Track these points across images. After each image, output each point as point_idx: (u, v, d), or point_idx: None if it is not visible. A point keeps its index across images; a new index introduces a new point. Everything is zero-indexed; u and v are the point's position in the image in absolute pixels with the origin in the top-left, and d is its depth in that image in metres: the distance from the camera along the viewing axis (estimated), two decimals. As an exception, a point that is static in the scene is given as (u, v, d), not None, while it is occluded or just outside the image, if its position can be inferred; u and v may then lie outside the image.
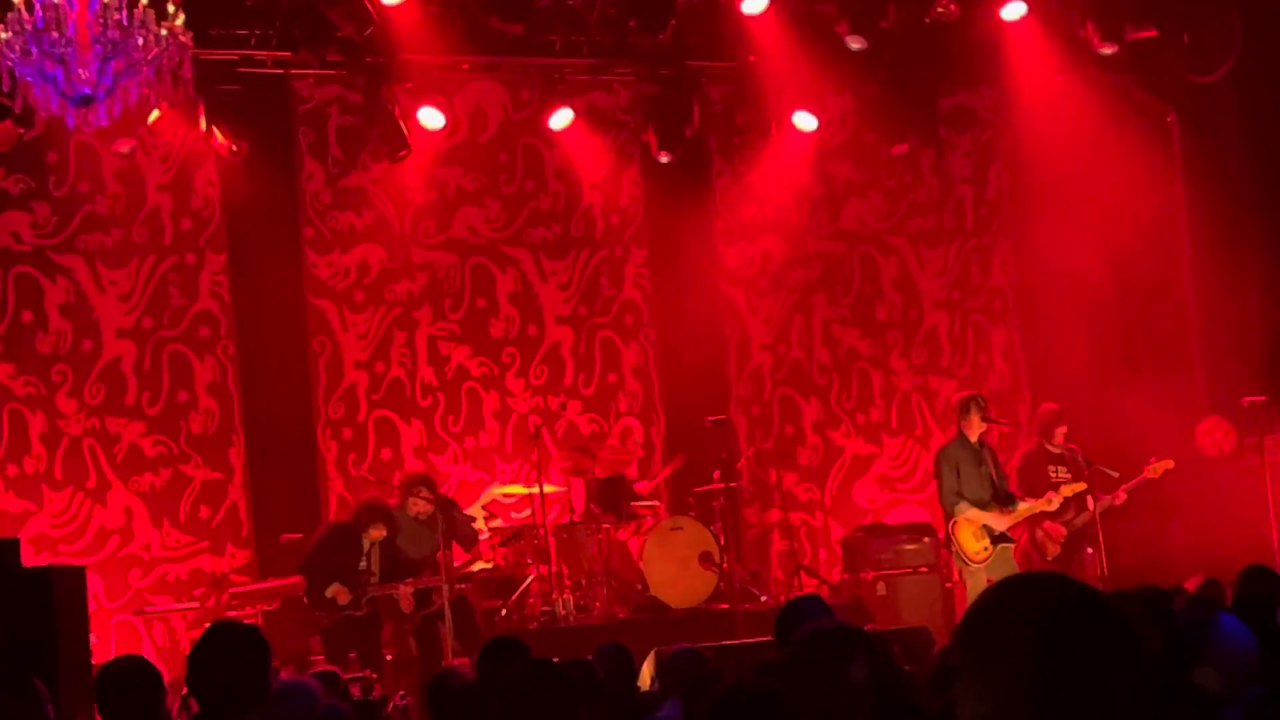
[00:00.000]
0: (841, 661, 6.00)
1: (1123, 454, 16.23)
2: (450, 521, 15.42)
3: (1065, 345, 18.95)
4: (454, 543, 15.63)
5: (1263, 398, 17.11)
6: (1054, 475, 15.74)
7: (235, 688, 6.05)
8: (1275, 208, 18.03)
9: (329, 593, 14.77)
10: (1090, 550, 15.61)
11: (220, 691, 6.08)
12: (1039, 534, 15.86)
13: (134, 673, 6.84)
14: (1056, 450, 15.97)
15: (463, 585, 15.24)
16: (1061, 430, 16.03)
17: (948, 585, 16.90)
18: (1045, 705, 2.76)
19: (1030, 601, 2.85)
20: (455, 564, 15.45)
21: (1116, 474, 15.82)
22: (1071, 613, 2.82)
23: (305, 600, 14.94)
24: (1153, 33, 17.61)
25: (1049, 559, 15.79)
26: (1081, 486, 15.49)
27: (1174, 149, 19.03)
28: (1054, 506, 15.48)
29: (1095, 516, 15.47)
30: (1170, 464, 15.79)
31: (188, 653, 6.53)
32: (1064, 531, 15.71)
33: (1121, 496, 15.71)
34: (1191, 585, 10.81)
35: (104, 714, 6.83)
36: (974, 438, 15.19)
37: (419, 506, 15.40)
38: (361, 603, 14.84)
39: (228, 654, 6.16)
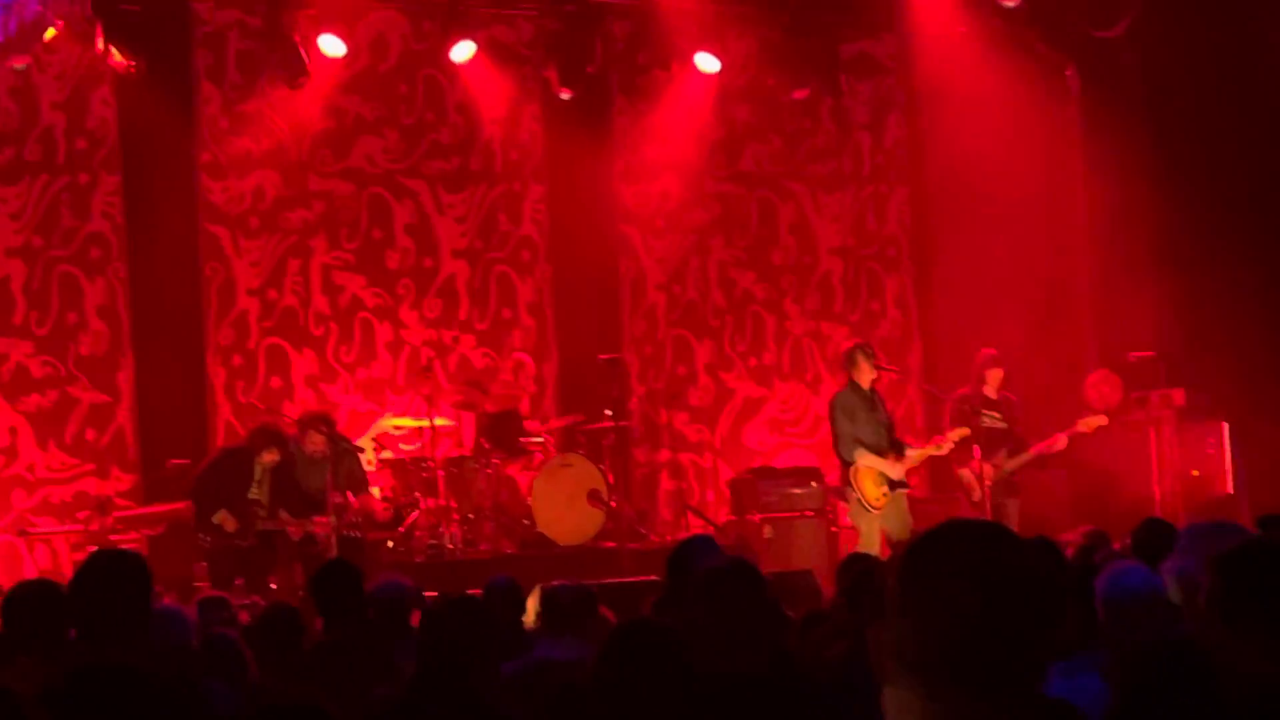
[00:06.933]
0: (738, 599, 6.03)
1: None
2: (342, 464, 15.34)
3: (958, 295, 19.06)
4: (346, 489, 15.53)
5: (1150, 353, 17.29)
6: (987, 420, 15.80)
7: (115, 617, 6.01)
8: (1171, 163, 18.16)
9: (216, 519, 14.68)
10: (1014, 500, 15.72)
11: (100, 619, 6.04)
12: (966, 474, 15.90)
13: (38, 596, 6.76)
14: (993, 396, 16.03)
15: (353, 532, 15.14)
16: (993, 374, 16.06)
17: (833, 530, 16.99)
18: (979, 651, 2.83)
19: (976, 551, 2.91)
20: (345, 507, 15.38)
21: (1003, 425, 15.95)
22: (1011, 564, 2.89)
23: (192, 523, 14.84)
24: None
25: (974, 499, 15.81)
26: (966, 432, 15.50)
27: (1073, 103, 19.15)
28: (943, 452, 15.56)
29: (980, 467, 15.58)
30: (1104, 420, 15.91)
31: (69, 579, 6.47)
32: (991, 471, 15.72)
33: (1062, 441, 15.83)
34: (1078, 536, 10.96)
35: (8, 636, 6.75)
36: (865, 385, 15.22)
37: (315, 444, 15.29)
38: (249, 534, 14.77)
39: (109, 582, 6.12)
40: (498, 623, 5.90)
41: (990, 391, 16.06)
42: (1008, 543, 2.93)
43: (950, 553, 2.91)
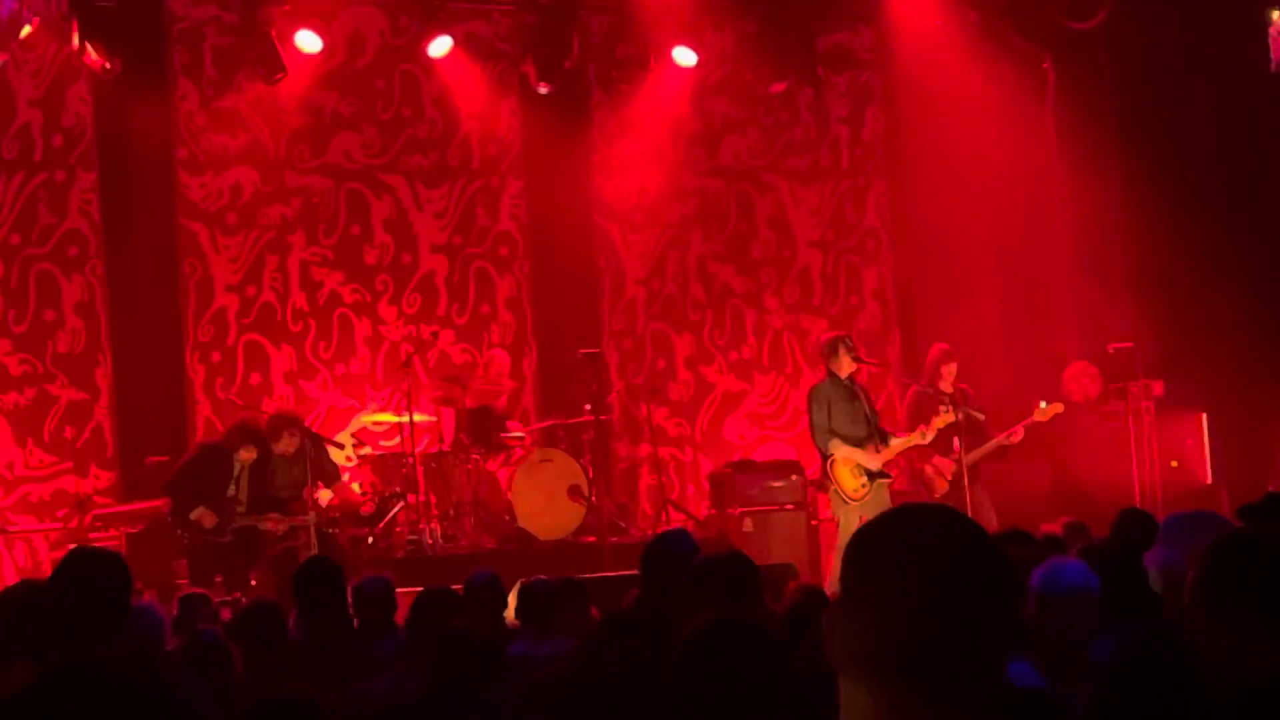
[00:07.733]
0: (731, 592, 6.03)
1: (991, 396, 16.38)
2: (315, 457, 15.30)
3: (937, 288, 19.08)
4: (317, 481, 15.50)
5: (1129, 344, 17.31)
6: (959, 414, 15.70)
7: (94, 616, 5.98)
8: (1148, 154, 18.20)
9: (194, 516, 14.63)
10: (982, 491, 15.63)
11: (78, 619, 6.01)
12: (928, 469, 15.86)
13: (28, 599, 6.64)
14: (947, 391, 15.97)
15: (332, 529, 15.14)
16: (948, 370, 16.00)
17: (813, 523, 16.99)
18: (930, 642, 2.73)
19: (926, 538, 2.80)
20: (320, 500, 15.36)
21: (982, 416, 15.93)
22: (967, 552, 2.79)
23: (169, 519, 14.79)
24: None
25: (936, 496, 15.69)
26: (951, 418, 15.39)
27: (1049, 95, 19.17)
28: (927, 440, 15.37)
29: (962, 457, 15.54)
30: (1060, 408, 15.84)
31: (48, 577, 6.42)
32: (953, 466, 15.67)
33: (1019, 433, 15.74)
34: (1056, 528, 10.96)
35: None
36: (843, 376, 15.15)
37: (286, 447, 15.24)
38: (227, 530, 14.73)
39: (87, 582, 6.08)
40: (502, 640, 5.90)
41: (945, 386, 16.00)
42: (962, 529, 2.82)
43: (902, 540, 2.81)
